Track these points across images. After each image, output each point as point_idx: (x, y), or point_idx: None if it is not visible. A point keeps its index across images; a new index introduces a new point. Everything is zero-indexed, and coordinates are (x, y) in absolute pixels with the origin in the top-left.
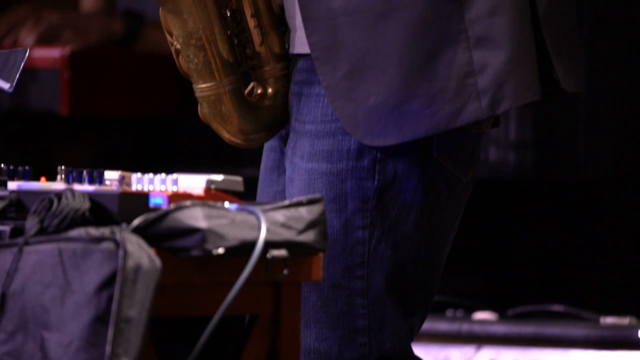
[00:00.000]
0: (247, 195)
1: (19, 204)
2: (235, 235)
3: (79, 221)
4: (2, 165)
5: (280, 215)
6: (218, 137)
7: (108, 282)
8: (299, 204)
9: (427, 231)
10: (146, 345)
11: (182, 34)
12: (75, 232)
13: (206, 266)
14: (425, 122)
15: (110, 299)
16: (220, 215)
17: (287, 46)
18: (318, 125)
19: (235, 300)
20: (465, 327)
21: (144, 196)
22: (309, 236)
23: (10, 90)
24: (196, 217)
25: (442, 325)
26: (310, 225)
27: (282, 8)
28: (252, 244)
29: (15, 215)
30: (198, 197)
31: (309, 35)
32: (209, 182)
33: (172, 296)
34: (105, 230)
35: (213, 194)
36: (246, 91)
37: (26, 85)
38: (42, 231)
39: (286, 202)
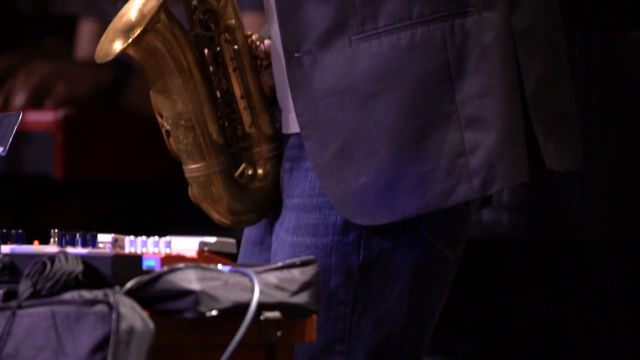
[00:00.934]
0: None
1: (12, 267)
2: (229, 297)
3: (72, 284)
4: None
5: (273, 277)
6: None
7: (101, 345)
8: (292, 266)
9: (412, 308)
10: None
11: (172, 115)
12: (68, 295)
13: (200, 328)
14: (416, 202)
15: None
16: (214, 277)
17: (279, 127)
18: (305, 199)
19: None
20: None
21: (137, 259)
22: (302, 298)
23: (4, 154)
24: (189, 280)
25: None
26: (304, 287)
27: (272, 89)
28: (245, 306)
29: (9, 278)
30: (191, 260)
31: (298, 114)
32: (202, 244)
33: (166, 359)
34: (98, 293)
35: (206, 256)
36: (237, 172)
37: (19, 149)
38: (36, 294)
39: (279, 264)
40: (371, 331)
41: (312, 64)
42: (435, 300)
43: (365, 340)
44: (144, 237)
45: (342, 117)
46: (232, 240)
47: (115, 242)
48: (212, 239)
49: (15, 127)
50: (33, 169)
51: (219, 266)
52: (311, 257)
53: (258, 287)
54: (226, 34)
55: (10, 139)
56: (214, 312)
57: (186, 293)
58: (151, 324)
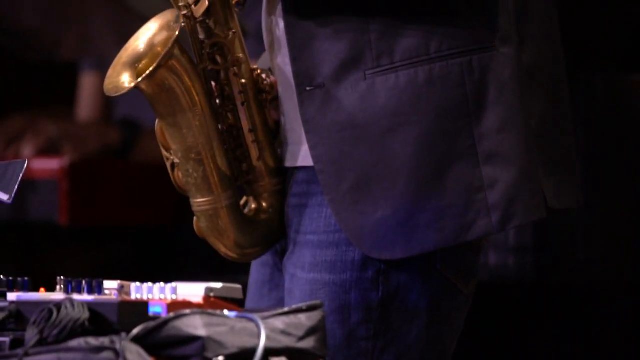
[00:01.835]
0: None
1: (19, 315)
2: (235, 343)
3: (79, 331)
4: (1, 276)
5: (279, 322)
6: None
7: None
8: (298, 311)
9: (431, 341)
10: None
11: (182, 148)
12: (75, 342)
13: None
14: (434, 237)
15: None
16: (220, 323)
17: (282, 160)
18: (321, 235)
19: None
20: None
21: (143, 305)
22: (309, 343)
23: (9, 201)
24: (196, 325)
25: None
26: (310, 332)
27: (276, 123)
28: (252, 352)
29: (15, 326)
30: (197, 305)
31: (312, 148)
32: (208, 289)
33: None
34: (104, 340)
35: (212, 302)
36: (241, 205)
37: (25, 196)
38: (42, 342)
39: (285, 309)
40: None
41: (325, 98)
42: (452, 333)
43: None
44: (150, 284)
45: (358, 151)
46: (238, 286)
47: (121, 289)
48: (218, 285)
49: (21, 175)
50: (38, 216)
51: (225, 312)
52: (318, 301)
53: (264, 333)
54: (234, 68)
55: (16, 187)
56: (221, 358)
57: (193, 339)
58: None
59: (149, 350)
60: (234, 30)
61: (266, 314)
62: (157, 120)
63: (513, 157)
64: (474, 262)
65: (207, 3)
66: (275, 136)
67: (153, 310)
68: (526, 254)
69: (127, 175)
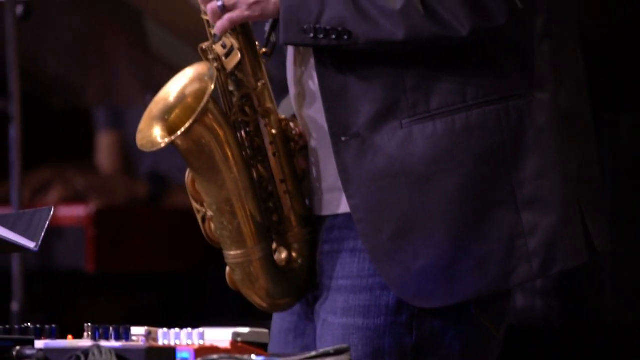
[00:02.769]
0: None
1: None
2: None
3: None
4: (29, 323)
5: None
6: None
7: None
8: (326, 355)
9: None
10: None
11: (216, 201)
12: None
13: None
14: (475, 284)
15: None
16: None
17: (311, 209)
18: (354, 280)
19: None
20: None
21: (170, 351)
22: None
23: (36, 249)
24: None
25: None
26: None
27: (304, 172)
28: None
29: None
30: (225, 350)
31: (349, 197)
32: (235, 334)
33: None
34: None
35: (240, 347)
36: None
37: (52, 244)
38: None
39: (313, 353)
40: None
41: (361, 147)
42: None
43: None
44: (177, 329)
45: (397, 199)
46: (265, 331)
47: (148, 335)
48: (245, 330)
49: (47, 223)
50: (66, 264)
51: (253, 357)
52: (344, 345)
53: None
54: (265, 119)
55: (43, 234)
56: None
57: None
58: None
59: None
60: (262, 82)
61: (294, 358)
62: (187, 173)
63: (552, 202)
64: (506, 306)
65: (239, 55)
66: (302, 184)
67: (180, 356)
68: (553, 296)
69: (153, 221)
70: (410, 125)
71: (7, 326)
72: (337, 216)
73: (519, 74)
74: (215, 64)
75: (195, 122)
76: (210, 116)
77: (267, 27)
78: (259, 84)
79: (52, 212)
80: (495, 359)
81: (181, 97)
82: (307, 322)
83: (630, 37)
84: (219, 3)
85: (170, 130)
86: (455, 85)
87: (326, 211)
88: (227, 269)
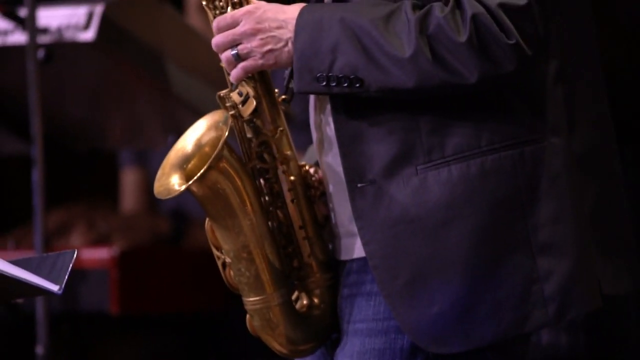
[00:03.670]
0: None
1: None
2: None
3: None
4: None
5: None
6: None
7: None
8: None
9: None
10: None
11: (233, 248)
12: None
13: None
14: (491, 329)
15: None
16: None
17: (332, 255)
18: (370, 323)
19: None
20: None
21: None
22: None
23: (60, 292)
24: None
25: None
26: None
27: (325, 218)
28: None
29: None
30: None
31: (365, 243)
32: None
33: None
34: None
35: None
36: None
37: (75, 287)
38: None
39: None
40: None
41: (377, 194)
42: None
43: None
44: None
45: (413, 246)
46: None
47: None
48: None
49: (70, 266)
50: (89, 306)
51: None
52: None
53: None
54: (283, 165)
55: (66, 278)
56: None
57: None
58: None
59: None
60: (281, 128)
61: None
62: (207, 220)
63: (567, 247)
64: (524, 350)
65: (254, 103)
66: (323, 230)
67: None
68: (579, 332)
69: (176, 262)
70: (426, 172)
71: None
72: (353, 260)
73: (533, 119)
74: (232, 112)
75: (209, 168)
76: (226, 162)
77: (286, 74)
78: (277, 131)
79: (75, 255)
80: None
81: (198, 146)
82: None
83: None
84: (233, 52)
85: (188, 178)
86: (470, 130)
87: (344, 256)
88: (247, 315)
